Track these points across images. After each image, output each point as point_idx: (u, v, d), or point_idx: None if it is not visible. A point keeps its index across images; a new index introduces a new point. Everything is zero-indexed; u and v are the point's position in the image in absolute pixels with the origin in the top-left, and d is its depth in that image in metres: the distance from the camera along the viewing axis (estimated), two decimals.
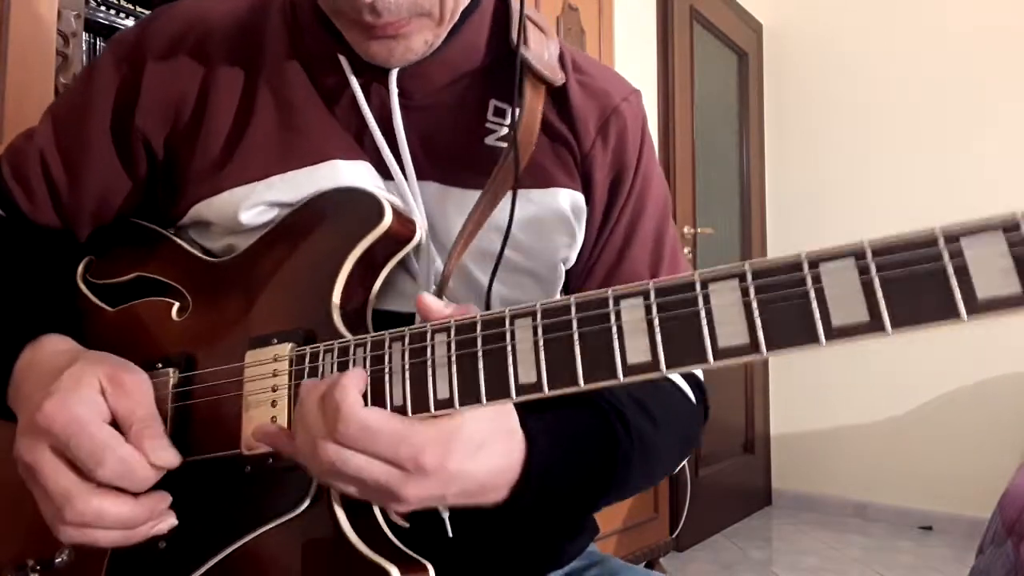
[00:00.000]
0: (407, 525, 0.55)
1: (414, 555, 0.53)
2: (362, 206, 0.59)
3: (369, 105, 0.64)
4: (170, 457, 0.54)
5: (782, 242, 3.60)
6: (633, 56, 2.78)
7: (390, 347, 0.51)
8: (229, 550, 0.55)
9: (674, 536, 2.63)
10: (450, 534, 0.58)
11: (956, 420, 3.07)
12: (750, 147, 3.56)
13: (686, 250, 2.96)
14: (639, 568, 0.76)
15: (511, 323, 0.46)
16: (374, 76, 0.64)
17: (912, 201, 3.23)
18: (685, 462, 2.64)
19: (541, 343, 0.45)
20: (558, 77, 0.66)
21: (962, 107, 3.15)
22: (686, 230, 2.98)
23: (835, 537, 3.04)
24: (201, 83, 0.65)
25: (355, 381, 0.48)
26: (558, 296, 0.70)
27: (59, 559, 0.60)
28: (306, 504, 0.54)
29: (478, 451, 0.49)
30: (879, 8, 3.38)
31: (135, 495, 0.54)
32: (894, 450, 3.22)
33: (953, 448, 3.08)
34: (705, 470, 2.97)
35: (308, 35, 0.66)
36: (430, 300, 0.51)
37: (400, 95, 0.64)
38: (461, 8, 0.62)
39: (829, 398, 3.37)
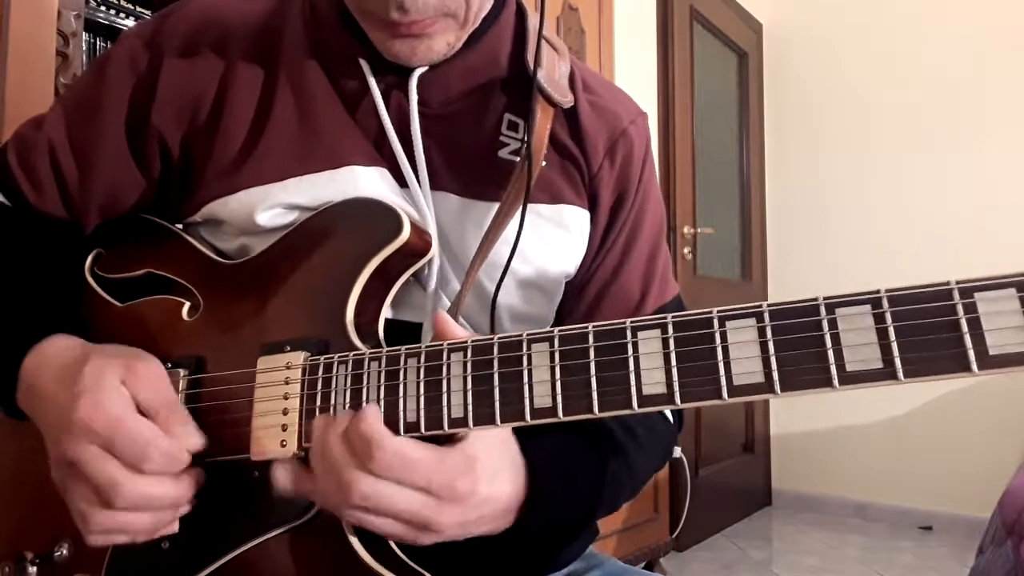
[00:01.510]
0: None
1: (415, 567, 0.53)
2: (380, 218, 0.59)
3: (387, 110, 0.64)
4: (199, 441, 0.55)
5: (782, 242, 3.61)
6: (633, 56, 2.78)
7: (405, 363, 0.51)
8: (232, 555, 0.55)
9: (674, 536, 2.63)
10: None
11: (956, 420, 3.08)
12: (750, 147, 3.56)
13: (686, 250, 2.96)
14: (639, 570, 0.76)
15: (528, 347, 0.47)
16: (394, 81, 0.64)
17: (912, 201, 3.24)
18: (685, 462, 2.66)
19: (558, 369, 0.46)
20: (567, 99, 0.67)
21: (962, 107, 3.15)
22: (686, 230, 2.98)
23: (835, 537, 3.04)
24: (219, 82, 0.64)
25: (378, 414, 0.49)
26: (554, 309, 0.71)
27: (58, 552, 0.60)
28: (312, 512, 0.54)
29: (495, 477, 0.50)
30: (879, 8, 3.38)
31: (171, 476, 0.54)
32: (894, 450, 3.22)
33: (953, 448, 3.08)
34: (705, 470, 2.97)
35: (329, 37, 0.65)
36: (449, 322, 0.51)
37: (418, 102, 0.64)
38: (483, 13, 0.62)
39: (829, 398, 3.36)
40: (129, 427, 0.51)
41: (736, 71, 3.55)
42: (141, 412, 0.53)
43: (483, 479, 0.49)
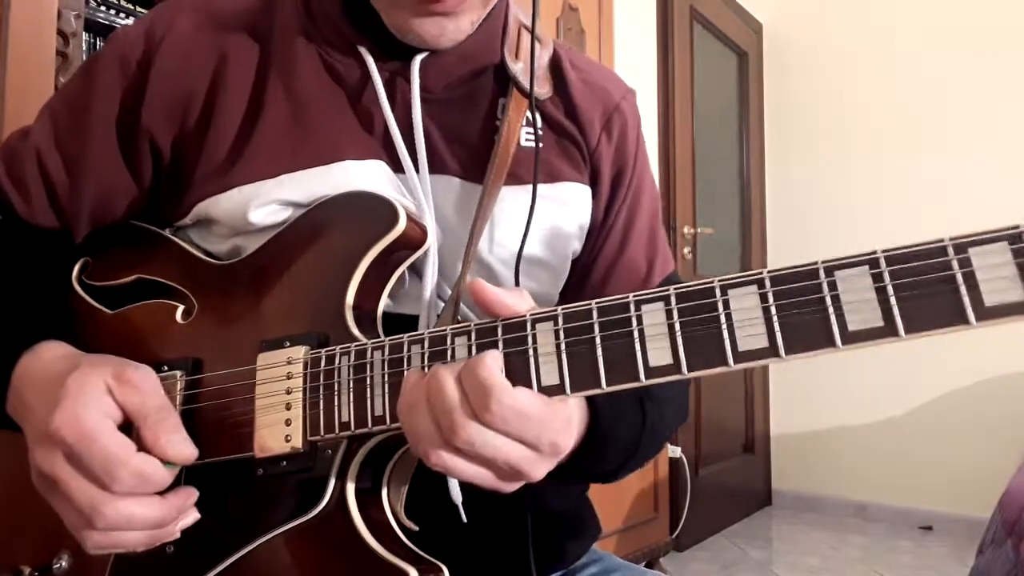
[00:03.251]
0: (416, 528, 0.55)
1: (427, 556, 0.53)
2: (376, 210, 0.59)
3: (389, 97, 0.64)
4: (188, 450, 0.53)
5: (782, 242, 3.61)
6: (633, 56, 2.78)
7: (409, 350, 0.50)
8: (239, 554, 0.55)
9: (674, 536, 2.63)
10: (464, 519, 0.60)
11: (956, 420, 3.08)
12: (750, 147, 3.56)
13: (686, 250, 2.96)
14: (637, 567, 0.76)
15: (532, 327, 0.47)
16: (396, 68, 0.65)
17: (913, 200, 3.23)
18: (685, 462, 2.66)
19: (563, 346, 0.46)
20: (544, 90, 0.69)
21: (962, 106, 3.15)
22: (686, 230, 2.98)
23: (835, 537, 3.04)
24: (211, 80, 0.64)
25: (499, 362, 0.46)
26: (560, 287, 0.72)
27: (57, 565, 0.59)
28: (320, 507, 0.53)
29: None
30: (879, 8, 3.38)
31: (161, 493, 0.53)
32: (894, 450, 3.22)
33: (953, 448, 3.08)
34: (705, 470, 2.97)
35: (326, 28, 0.65)
36: (489, 289, 0.49)
37: (420, 88, 0.64)
38: None
39: (829, 398, 3.37)
40: (99, 444, 0.49)
41: (736, 71, 3.55)
42: (129, 420, 0.52)
43: (573, 434, 0.50)
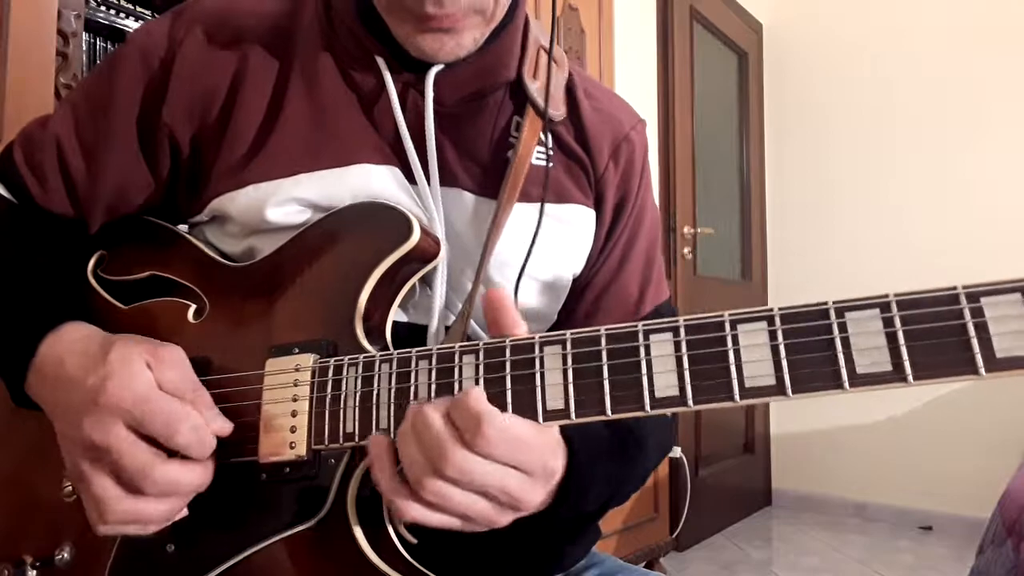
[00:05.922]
0: (415, 541, 0.55)
1: (424, 570, 0.53)
2: (390, 222, 0.59)
3: (402, 107, 0.65)
4: (224, 424, 0.55)
5: (782, 242, 3.61)
6: (633, 56, 2.78)
7: (416, 365, 0.51)
8: (239, 558, 0.55)
9: (674, 536, 2.63)
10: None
11: (956, 420, 3.08)
12: (750, 147, 3.56)
13: (686, 250, 2.96)
14: (638, 568, 0.77)
15: (540, 349, 0.47)
16: (410, 79, 0.65)
17: (911, 201, 3.24)
18: (685, 462, 2.66)
19: (570, 372, 0.46)
20: (559, 112, 0.69)
21: (962, 107, 3.16)
22: (686, 230, 2.98)
23: (835, 537, 3.04)
24: (231, 79, 0.65)
25: (483, 393, 0.47)
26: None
27: (59, 557, 0.59)
28: (321, 515, 0.54)
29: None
30: (879, 8, 3.38)
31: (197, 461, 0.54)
32: (894, 450, 3.22)
33: (953, 448, 3.08)
34: (705, 470, 2.98)
35: (345, 36, 0.66)
36: (508, 299, 0.50)
37: (434, 100, 0.65)
38: (503, 12, 0.64)
39: (829, 398, 3.35)
40: (159, 405, 0.52)
41: (736, 71, 3.55)
42: None
43: (560, 457, 0.51)
